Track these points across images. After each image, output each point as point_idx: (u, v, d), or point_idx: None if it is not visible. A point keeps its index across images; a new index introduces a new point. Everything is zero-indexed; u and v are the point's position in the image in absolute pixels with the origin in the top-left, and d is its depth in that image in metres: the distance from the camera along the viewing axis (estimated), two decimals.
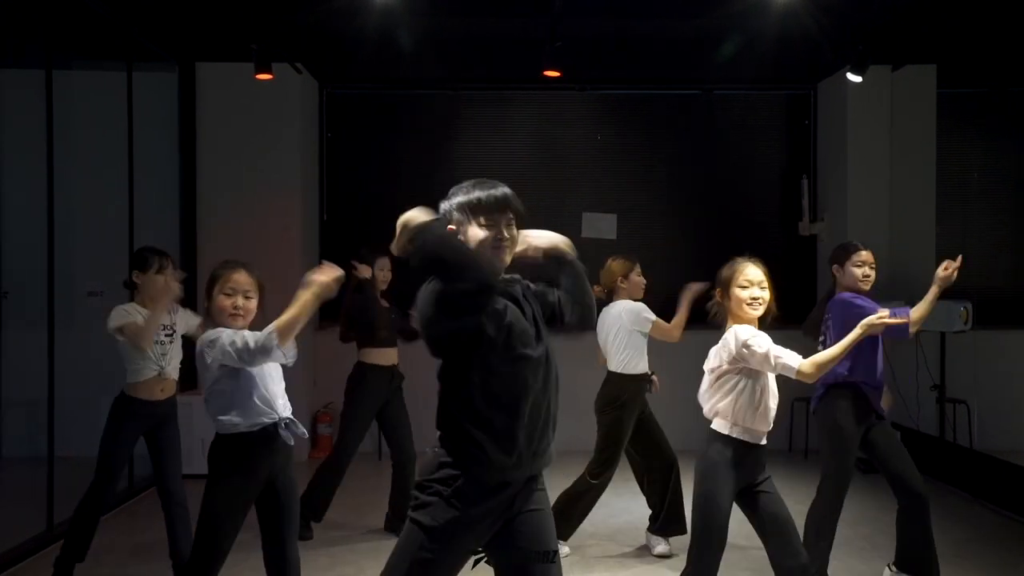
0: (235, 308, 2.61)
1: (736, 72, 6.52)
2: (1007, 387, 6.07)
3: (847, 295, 3.42)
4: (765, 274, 2.77)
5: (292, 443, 2.67)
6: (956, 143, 6.64)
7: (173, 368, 3.67)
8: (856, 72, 5.60)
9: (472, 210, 2.02)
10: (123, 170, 5.29)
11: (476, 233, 2.02)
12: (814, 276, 6.76)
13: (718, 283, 2.81)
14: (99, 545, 3.72)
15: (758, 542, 2.76)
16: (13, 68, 5.88)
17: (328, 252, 6.77)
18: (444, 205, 2.07)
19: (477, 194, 2.02)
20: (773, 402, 2.74)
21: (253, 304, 2.67)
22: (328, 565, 3.94)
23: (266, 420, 2.62)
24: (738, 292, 2.73)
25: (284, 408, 2.68)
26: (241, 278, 2.64)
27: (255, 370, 2.60)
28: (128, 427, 3.62)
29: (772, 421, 2.74)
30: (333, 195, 6.86)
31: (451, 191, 2.08)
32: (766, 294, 2.73)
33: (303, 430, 2.69)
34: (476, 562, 2.09)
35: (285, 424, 2.66)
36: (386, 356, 4.38)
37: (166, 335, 3.62)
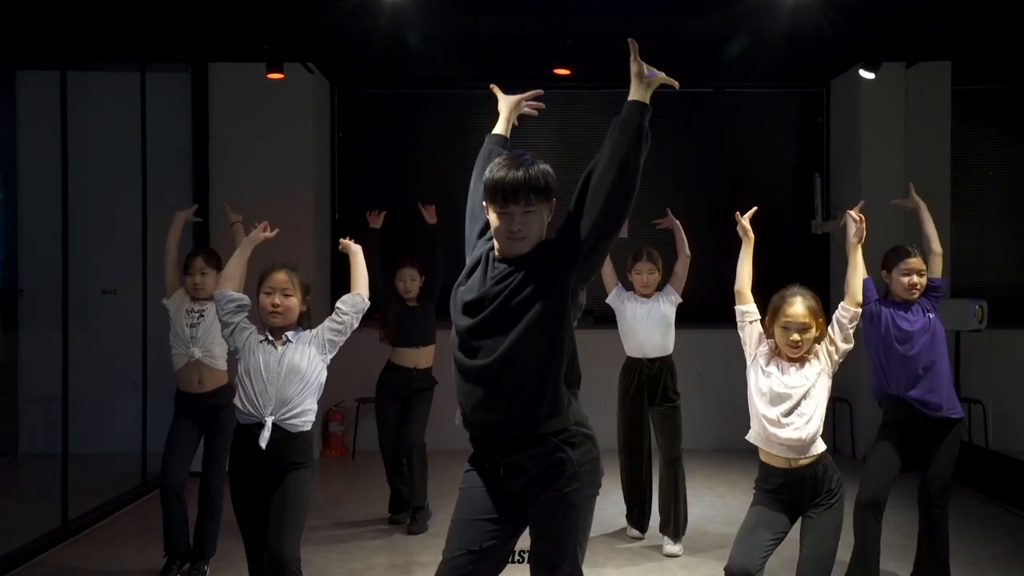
0: (273, 306, 2.71)
1: (748, 70, 6.49)
2: (1023, 387, 6.01)
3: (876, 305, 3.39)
4: (811, 309, 2.69)
5: (262, 445, 2.63)
6: (971, 140, 6.58)
7: (209, 355, 3.60)
8: (869, 69, 5.56)
9: (488, 195, 2.01)
10: (136, 169, 5.34)
11: (492, 220, 2.02)
12: (827, 275, 6.71)
13: (768, 311, 2.79)
14: (115, 536, 3.76)
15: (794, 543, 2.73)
16: (29, 69, 5.96)
17: (339, 251, 6.79)
18: None
19: (490, 176, 1.98)
20: (766, 410, 2.66)
21: (292, 302, 2.74)
22: (339, 561, 3.96)
23: (250, 419, 2.69)
24: (778, 332, 2.71)
25: (273, 411, 2.66)
26: (279, 277, 2.74)
27: (241, 372, 2.71)
28: (176, 419, 3.64)
29: (777, 437, 2.63)
30: (345, 194, 6.88)
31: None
32: (808, 335, 2.67)
33: (265, 436, 2.64)
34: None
35: (264, 425, 2.66)
36: (400, 356, 4.48)
37: (196, 319, 3.62)
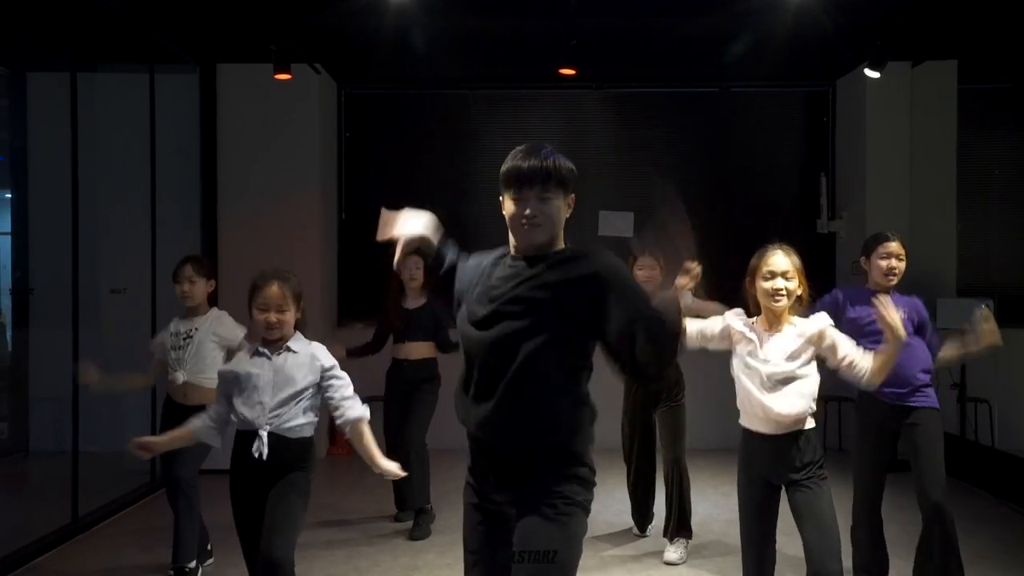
0: (269, 324, 2.66)
1: (753, 69, 6.49)
2: None
3: (835, 294, 3.33)
4: (794, 263, 2.64)
5: (257, 455, 2.61)
6: (977, 139, 6.57)
7: (194, 375, 3.58)
8: (874, 68, 5.56)
9: (504, 182, 1.95)
10: (145, 170, 5.39)
11: (507, 208, 1.95)
12: (832, 274, 6.71)
13: (747, 273, 2.71)
14: (124, 533, 3.80)
15: (797, 540, 2.70)
16: (39, 71, 6.01)
17: (346, 251, 6.84)
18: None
19: (507, 164, 1.94)
20: (755, 387, 2.61)
21: (288, 316, 2.67)
22: (345, 558, 4.00)
23: (247, 427, 2.67)
24: (761, 284, 2.63)
25: (268, 422, 2.63)
26: (272, 292, 2.65)
27: (236, 395, 2.69)
28: (162, 425, 3.67)
29: (768, 408, 2.58)
30: (351, 194, 6.92)
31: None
32: (791, 284, 2.61)
33: (263, 447, 2.62)
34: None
35: (260, 436, 2.64)
36: (398, 350, 4.50)
37: (183, 340, 3.61)
